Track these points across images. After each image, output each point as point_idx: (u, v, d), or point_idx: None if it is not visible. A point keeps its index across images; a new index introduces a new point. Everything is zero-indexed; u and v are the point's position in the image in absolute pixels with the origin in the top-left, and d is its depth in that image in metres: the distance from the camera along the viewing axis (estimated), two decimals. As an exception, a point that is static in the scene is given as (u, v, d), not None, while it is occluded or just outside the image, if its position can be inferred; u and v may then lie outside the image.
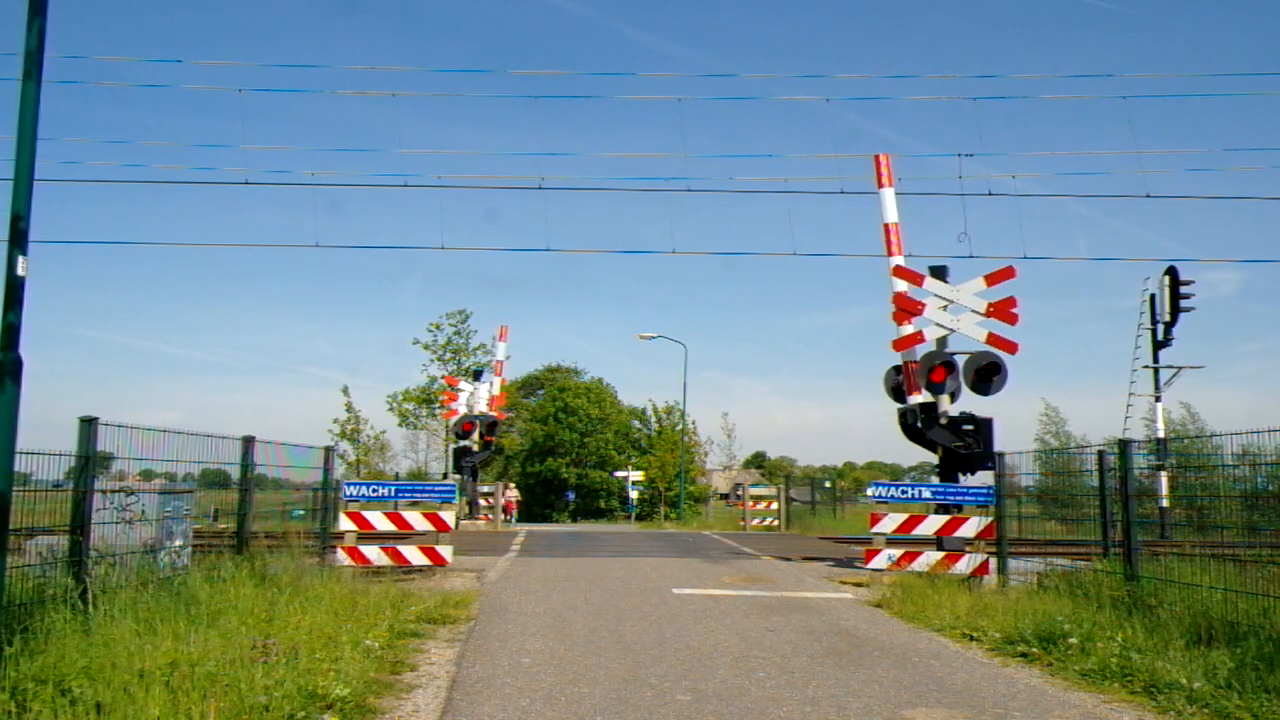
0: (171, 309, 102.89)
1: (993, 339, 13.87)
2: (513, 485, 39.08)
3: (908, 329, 14.39)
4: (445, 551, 12.22)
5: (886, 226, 15.03)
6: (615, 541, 20.25)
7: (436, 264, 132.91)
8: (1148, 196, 17.01)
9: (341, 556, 11.80)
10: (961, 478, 13.84)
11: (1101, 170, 54.52)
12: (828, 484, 36.48)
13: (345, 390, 37.53)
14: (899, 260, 14.82)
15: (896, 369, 14.63)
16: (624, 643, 7.59)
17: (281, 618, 7.24)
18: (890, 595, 10.16)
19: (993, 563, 11.53)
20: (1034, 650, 7.23)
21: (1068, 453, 19.02)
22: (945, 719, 5.41)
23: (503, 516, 32.30)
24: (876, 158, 15.40)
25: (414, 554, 12.17)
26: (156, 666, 5.23)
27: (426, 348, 38.92)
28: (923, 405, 14.15)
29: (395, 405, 39.57)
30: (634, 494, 41.48)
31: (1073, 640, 7.10)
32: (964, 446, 13.72)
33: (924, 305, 14.23)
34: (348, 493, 12.66)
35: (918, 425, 14.13)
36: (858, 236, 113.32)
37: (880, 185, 15.26)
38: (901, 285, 14.47)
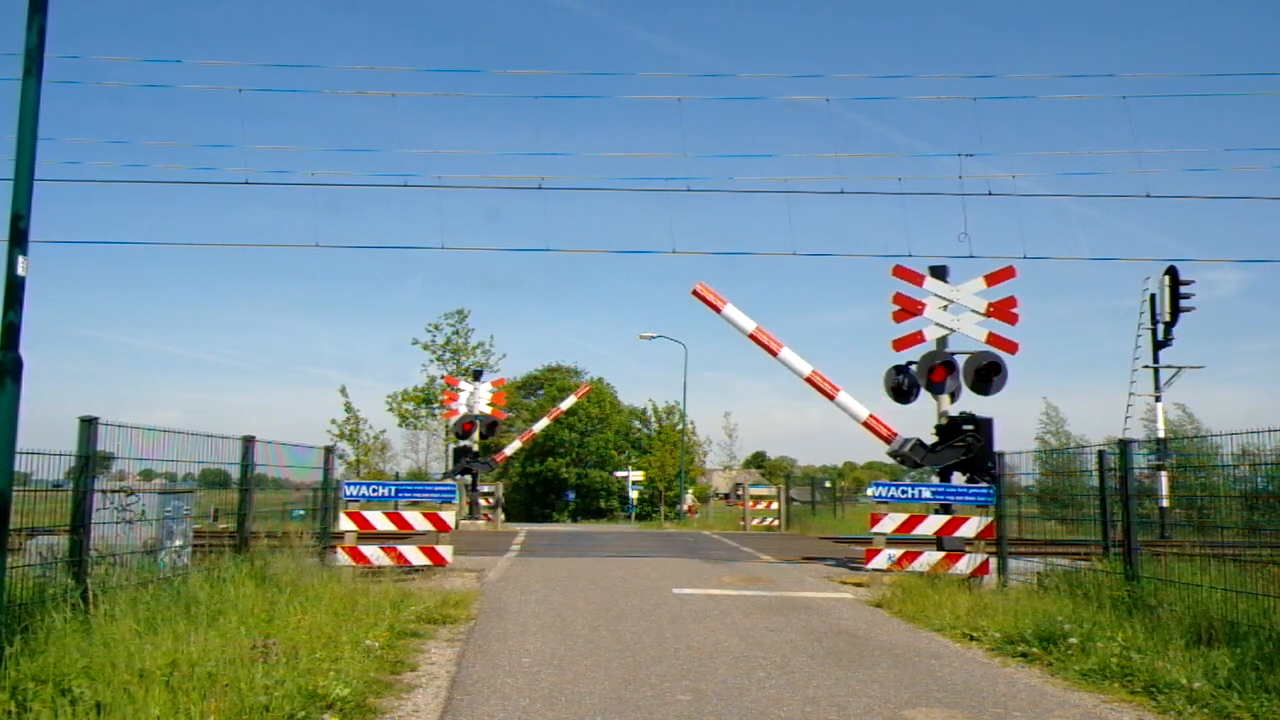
0: (171, 309, 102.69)
1: (993, 339, 13.88)
2: (691, 491, 38.88)
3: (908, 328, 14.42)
4: (445, 551, 12.22)
5: (752, 335, 15.10)
6: (615, 542, 20.25)
7: (436, 264, 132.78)
8: (1148, 196, 16.96)
9: (341, 556, 11.80)
10: (956, 476, 13.86)
11: (1101, 170, 54.62)
12: (828, 484, 36.52)
13: (344, 390, 37.52)
14: (787, 350, 14.94)
15: (897, 369, 14.64)
16: (624, 643, 7.59)
17: (281, 618, 7.24)
18: (890, 595, 10.16)
19: (993, 563, 11.53)
20: (1034, 650, 7.23)
21: (1068, 453, 19.02)
22: (945, 719, 5.41)
23: (693, 518, 32.28)
24: (695, 292, 15.16)
25: (414, 554, 12.17)
26: (156, 666, 5.23)
27: (426, 348, 38.94)
28: (913, 446, 14.17)
29: (395, 405, 39.55)
30: (634, 494, 41.42)
31: (1073, 640, 7.10)
32: (965, 450, 13.71)
33: (924, 305, 14.24)
34: (348, 493, 12.65)
35: (916, 462, 14.25)
36: (858, 236, 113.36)
37: (719, 310, 15.17)
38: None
